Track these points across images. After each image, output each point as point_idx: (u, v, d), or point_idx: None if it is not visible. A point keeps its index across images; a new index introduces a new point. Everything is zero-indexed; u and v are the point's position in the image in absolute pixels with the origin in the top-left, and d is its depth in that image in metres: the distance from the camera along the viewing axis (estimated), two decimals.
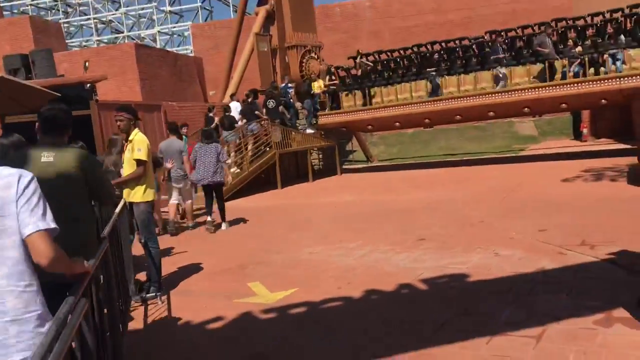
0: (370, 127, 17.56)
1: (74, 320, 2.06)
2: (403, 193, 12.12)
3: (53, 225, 2.09)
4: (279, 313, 4.94)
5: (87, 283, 2.51)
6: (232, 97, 17.21)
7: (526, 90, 14.34)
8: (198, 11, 39.64)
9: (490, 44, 15.65)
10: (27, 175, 2.11)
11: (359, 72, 17.64)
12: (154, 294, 5.72)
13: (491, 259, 6.03)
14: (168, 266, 6.81)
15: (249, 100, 16.04)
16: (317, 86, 17.76)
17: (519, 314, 4.30)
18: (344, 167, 19.50)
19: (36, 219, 2.05)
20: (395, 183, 14.07)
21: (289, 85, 17.92)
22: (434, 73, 15.90)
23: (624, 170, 11.19)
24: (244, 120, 15.54)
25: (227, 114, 15.24)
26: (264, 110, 16.01)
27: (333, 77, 18.00)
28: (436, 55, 16.61)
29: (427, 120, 16.28)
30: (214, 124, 14.98)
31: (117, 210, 5.02)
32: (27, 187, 2.07)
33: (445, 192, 11.45)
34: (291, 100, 17.50)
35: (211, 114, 15.90)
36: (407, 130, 23.48)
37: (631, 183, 9.68)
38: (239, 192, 14.02)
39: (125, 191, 5.91)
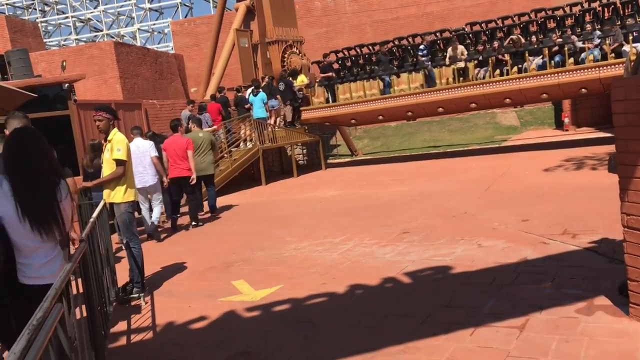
0: (353, 121, 17.52)
1: (48, 326, 2.02)
2: (387, 186, 12.13)
3: None
4: (264, 311, 4.91)
5: (63, 286, 2.46)
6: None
7: (507, 82, 14.39)
8: (178, 8, 39.37)
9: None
10: None
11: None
12: (137, 295, 5.67)
13: (474, 250, 6.05)
14: (151, 266, 6.76)
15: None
16: (300, 81, 17.69)
17: (503, 304, 4.32)
18: (329, 161, 19.49)
19: None
20: (379, 176, 14.07)
21: None
22: (427, 63, 15.74)
23: (604, 158, 11.30)
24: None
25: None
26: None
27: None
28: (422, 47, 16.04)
29: (409, 112, 16.29)
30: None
31: (97, 211, 4.96)
32: None
33: (428, 184, 11.48)
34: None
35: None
36: (391, 123, 23.55)
37: (611, 171, 9.77)
38: (223, 189, 13.96)
39: (106, 192, 5.85)
